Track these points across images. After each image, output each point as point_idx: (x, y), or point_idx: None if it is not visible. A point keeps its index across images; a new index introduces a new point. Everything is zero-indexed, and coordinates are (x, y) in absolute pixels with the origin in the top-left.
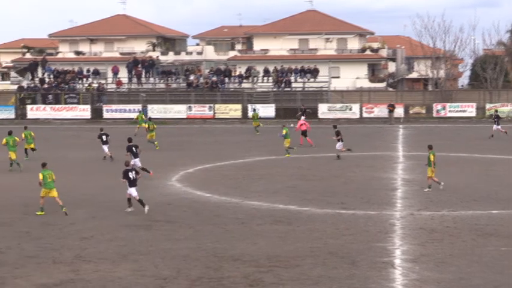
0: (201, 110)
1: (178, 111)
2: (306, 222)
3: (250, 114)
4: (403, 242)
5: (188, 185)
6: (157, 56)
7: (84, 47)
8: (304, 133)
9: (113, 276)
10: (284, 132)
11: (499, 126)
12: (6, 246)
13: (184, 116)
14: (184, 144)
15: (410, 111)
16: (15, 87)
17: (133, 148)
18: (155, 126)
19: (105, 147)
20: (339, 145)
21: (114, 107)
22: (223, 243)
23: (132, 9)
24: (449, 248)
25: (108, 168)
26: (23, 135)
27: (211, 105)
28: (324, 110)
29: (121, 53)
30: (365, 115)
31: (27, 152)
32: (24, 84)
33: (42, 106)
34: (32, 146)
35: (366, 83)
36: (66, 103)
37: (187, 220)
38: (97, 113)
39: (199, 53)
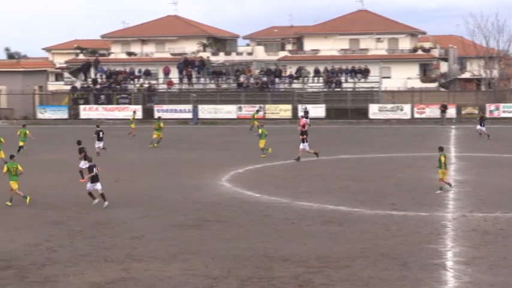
0: (251, 111)
1: (228, 111)
2: (356, 223)
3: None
4: (455, 244)
5: (238, 185)
6: (208, 57)
7: (136, 48)
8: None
9: (163, 276)
10: (260, 131)
11: (483, 128)
12: (59, 245)
13: (235, 116)
14: (235, 145)
15: (463, 112)
16: (69, 87)
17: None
18: (161, 125)
19: (100, 143)
20: (302, 145)
21: (165, 107)
22: (273, 243)
23: (183, 10)
24: (502, 251)
25: (158, 169)
26: (19, 132)
27: (262, 105)
28: (374, 111)
29: (172, 54)
30: (416, 115)
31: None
32: (78, 84)
33: (95, 106)
34: (22, 143)
35: (417, 83)
36: (118, 103)
37: (238, 220)
38: (148, 113)
39: (250, 54)
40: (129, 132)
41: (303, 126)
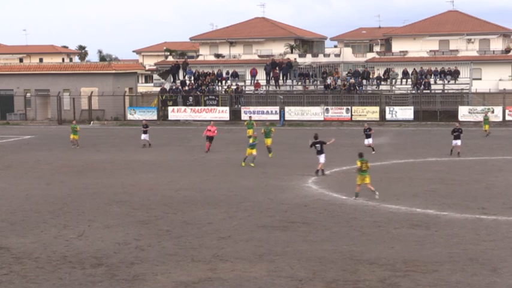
0: (338, 112)
1: (315, 113)
2: (444, 227)
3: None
4: None
5: (324, 187)
6: (295, 58)
7: (224, 50)
8: (210, 139)
9: (249, 276)
10: (251, 141)
11: (458, 142)
12: (147, 244)
13: (321, 118)
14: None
15: None
16: (158, 89)
17: None
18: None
19: (145, 136)
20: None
21: (252, 108)
22: (359, 246)
23: (270, 12)
24: None
25: (245, 170)
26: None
27: (349, 107)
28: (464, 113)
29: (259, 56)
30: (508, 118)
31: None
32: (166, 86)
33: (183, 108)
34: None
35: (509, 85)
36: (205, 105)
37: (324, 222)
38: (235, 115)
39: (337, 55)
40: (75, 144)
41: (208, 131)
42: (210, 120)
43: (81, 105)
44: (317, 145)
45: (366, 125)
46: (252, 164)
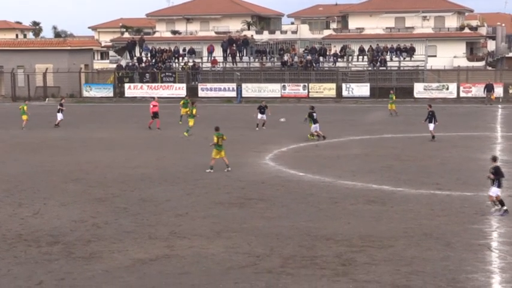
0: (295, 89)
1: (272, 90)
2: (400, 202)
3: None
4: (500, 225)
5: (282, 164)
6: (252, 35)
7: (181, 27)
8: (155, 115)
9: (207, 253)
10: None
11: (430, 125)
12: (104, 221)
13: (279, 95)
14: (278, 123)
15: (510, 91)
16: (114, 66)
17: None
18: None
19: (60, 115)
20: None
21: (209, 85)
22: (316, 222)
23: None
24: None
25: (203, 147)
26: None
27: (306, 84)
28: (419, 90)
29: (216, 32)
30: (462, 95)
31: None
32: (123, 63)
33: (140, 85)
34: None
35: (463, 62)
36: (162, 82)
37: (281, 198)
38: (192, 92)
39: (294, 32)
40: (22, 127)
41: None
42: (153, 97)
43: (36, 82)
44: (314, 114)
45: (264, 102)
46: (186, 134)
